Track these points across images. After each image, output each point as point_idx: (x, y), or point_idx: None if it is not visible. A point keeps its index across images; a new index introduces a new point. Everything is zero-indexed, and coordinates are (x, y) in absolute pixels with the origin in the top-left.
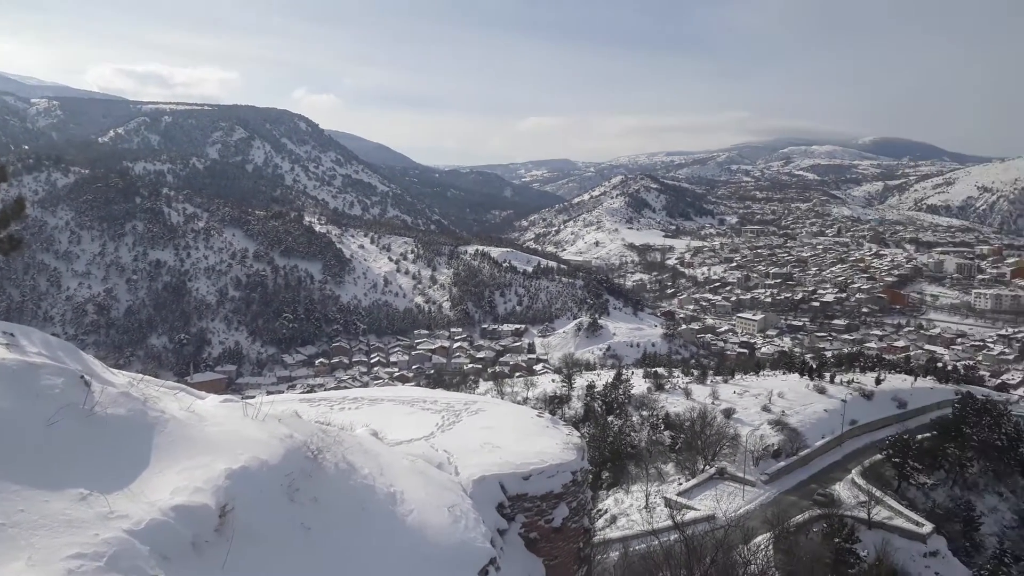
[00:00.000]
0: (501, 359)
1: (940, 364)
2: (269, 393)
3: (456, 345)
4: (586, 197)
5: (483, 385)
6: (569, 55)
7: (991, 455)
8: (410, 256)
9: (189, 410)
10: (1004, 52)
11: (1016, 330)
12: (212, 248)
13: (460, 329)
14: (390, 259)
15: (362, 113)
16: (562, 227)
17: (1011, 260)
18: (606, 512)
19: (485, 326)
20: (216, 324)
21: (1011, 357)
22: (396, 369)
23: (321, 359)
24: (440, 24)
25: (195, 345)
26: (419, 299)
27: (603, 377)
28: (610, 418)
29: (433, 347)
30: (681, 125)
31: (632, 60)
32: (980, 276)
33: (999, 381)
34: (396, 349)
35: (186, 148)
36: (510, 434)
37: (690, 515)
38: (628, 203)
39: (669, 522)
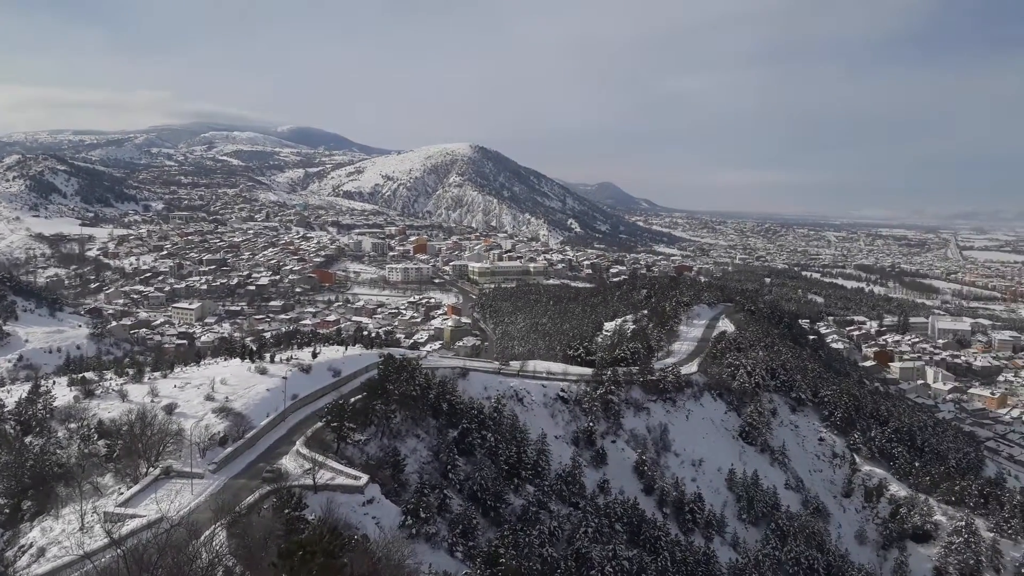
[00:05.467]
0: None
1: (366, 332)
2: None
3: None
4: None
5: None
6: None
7: (409, 404)
8: None
9: None
10: (384, 57)
11: (421, 297)
12: None
13: None
14: None
15: None
16: None
17: (412, 238)
18: (31, 546)
19: None
20: None
21: (419, 320)
22: None
23: None
24: None
25: None
26: None
27: (15, 393)
28: (28, 439)
29: None
30: (92, 101)
31: (21, 20)
32: (391, 253)
33: (412, 341)
34: None
35: None
36: None
37: (133, 524)
38: (31, 187)
39: (107, 539)
